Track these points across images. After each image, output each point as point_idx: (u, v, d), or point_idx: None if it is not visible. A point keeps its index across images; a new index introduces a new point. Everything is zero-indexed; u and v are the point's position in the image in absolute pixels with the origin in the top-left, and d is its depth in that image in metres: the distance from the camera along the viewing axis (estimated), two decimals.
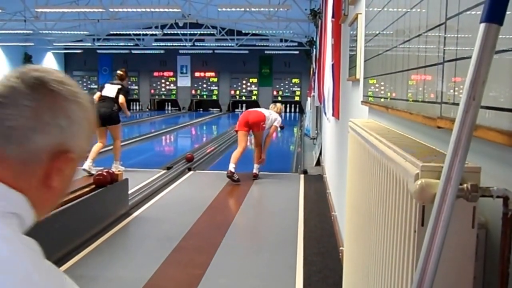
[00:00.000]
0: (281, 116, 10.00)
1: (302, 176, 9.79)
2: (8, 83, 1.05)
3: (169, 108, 36.25)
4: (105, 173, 6.50)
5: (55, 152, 1.06)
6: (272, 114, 9.74)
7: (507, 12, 1.08)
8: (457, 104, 1.45)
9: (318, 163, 10.83)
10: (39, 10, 18.08)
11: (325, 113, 8.50)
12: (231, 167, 9.07)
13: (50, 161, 1.06)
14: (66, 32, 26.35)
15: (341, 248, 4.91)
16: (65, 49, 34.08)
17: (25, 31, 23.78)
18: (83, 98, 1.12)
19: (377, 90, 3.12)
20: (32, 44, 29.25)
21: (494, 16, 1.07)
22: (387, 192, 1.85)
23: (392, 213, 1.76)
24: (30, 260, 0.96)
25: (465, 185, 1.24)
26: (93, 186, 6.26)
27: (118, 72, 9.72)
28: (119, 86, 9.40)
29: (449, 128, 1.49)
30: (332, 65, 6.16)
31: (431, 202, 1.25)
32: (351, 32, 4.51)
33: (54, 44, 31.28)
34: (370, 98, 3.38)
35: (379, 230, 2.01)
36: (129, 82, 35.39)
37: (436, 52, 1.74)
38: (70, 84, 1.11)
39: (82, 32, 26.98)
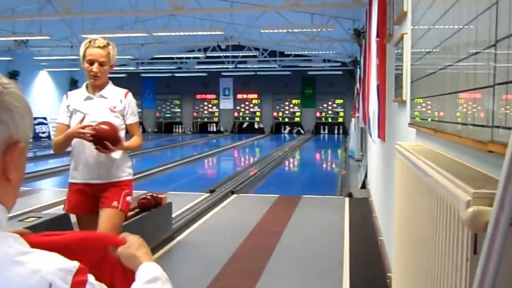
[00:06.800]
0: None
1: (347, 199, 9.64)
2: None
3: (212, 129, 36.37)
4: (149, 197, 6.50)
5: (6, 146, 1.10)
6: None
7: None
8: (510, 128, 1.40)
9: (364, 185, 10.71)
10: (85, 35, 18.40)
11: (370, 135, 8.43)
12: None
13: (4, 155, 1.10)
14: None
15: (388, 274, 4.82)
16: (110, 73, 34.62)
17: (71, 57, 24.27)
18: (13, 87, 1.15)
19: (423, 110, 3.06)
20: (78, 69, 29.85)
21: None
22: (437, 219, 1.80)
23: (443, 240, 1.71)
24: None
25: None
26: (137, 210, 6.26)
27: None
28: None
29: (501, 153, 1.43)
30: (377, 85, 6.11)
31: (483, 230, 1.21)
32: (396, 51, 4.46)
33: None
34: (417, 120, 3.32)
35: (429, 257, 1.96)
36: (172, 105, 36.23)
37: (487, 73, 1.69)
38: None
39: (126, 57, 27.39)
